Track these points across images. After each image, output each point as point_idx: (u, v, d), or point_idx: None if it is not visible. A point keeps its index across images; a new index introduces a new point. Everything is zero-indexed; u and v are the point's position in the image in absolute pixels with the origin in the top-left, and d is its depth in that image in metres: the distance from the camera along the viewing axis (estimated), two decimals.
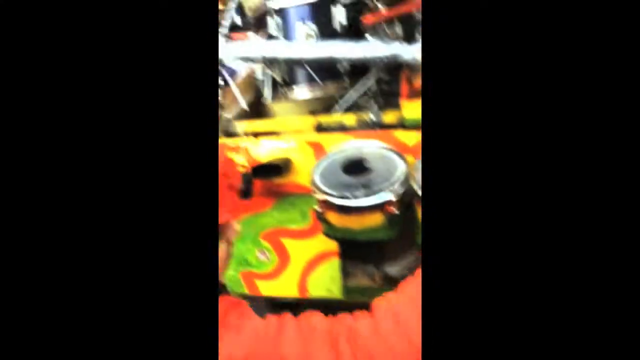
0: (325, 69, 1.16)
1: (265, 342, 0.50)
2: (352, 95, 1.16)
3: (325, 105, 1.22)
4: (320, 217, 0.90)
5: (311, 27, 1.11)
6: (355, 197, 0.84)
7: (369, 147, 0.99)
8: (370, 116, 1.11)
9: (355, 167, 0.93)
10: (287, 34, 1.16)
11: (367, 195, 0.84)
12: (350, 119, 1.15)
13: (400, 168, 0.90)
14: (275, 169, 1.04)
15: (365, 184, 0.87)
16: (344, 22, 1.12)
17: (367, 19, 1.09)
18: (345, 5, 1.12)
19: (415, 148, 1.09)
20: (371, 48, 0.97)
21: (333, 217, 0.89)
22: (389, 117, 1.20)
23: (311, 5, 1.13)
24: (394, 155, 0.95)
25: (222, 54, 1.03)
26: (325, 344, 0.50)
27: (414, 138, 1.10)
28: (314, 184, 0.91)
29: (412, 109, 1.07)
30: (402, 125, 1.09)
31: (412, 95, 1.06)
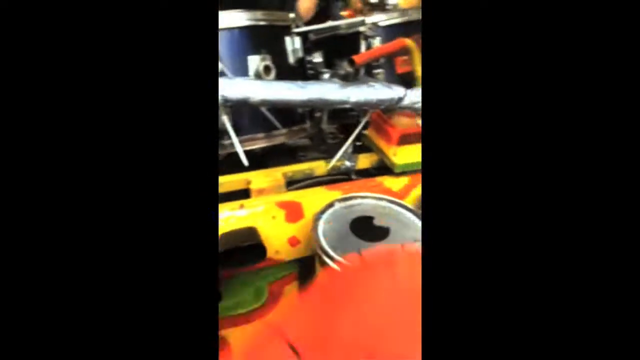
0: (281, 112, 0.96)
1: None
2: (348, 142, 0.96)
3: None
4: None
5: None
6: None
7: (375, 203, 0.79)
8: (345, 162, 0.92)
9: (368, 229, 0.72)
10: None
11: None
12: (319, 167, 0.96)
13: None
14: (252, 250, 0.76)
15: None
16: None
17: (359, 57, 0.88)
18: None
19: (401, 193, 0.93)
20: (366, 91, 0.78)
21: None
22: (363, 162, 1.04)
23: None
24: (408, 213, 0.75)
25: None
26: None
27: (400, 183, 0.94)
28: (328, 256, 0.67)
29: (403, 155, 0.91)
30: (390, 171, 0.91)
31: (402, 141, 0.89)
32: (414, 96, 0.78)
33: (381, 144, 0.94)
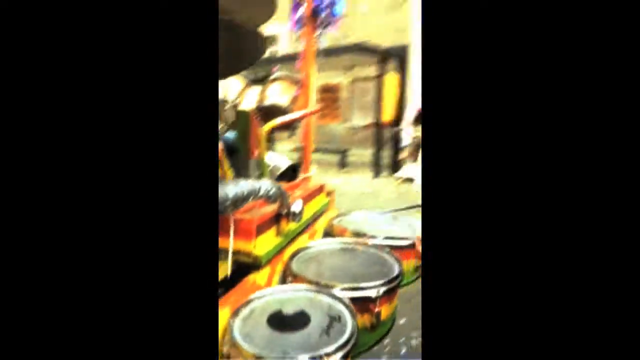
0: None
1: None
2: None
3: None
4: None
5: None
6: None
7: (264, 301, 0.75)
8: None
9: (286, 321, 0.65)
10: None
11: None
12: None
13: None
14: None
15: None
16: None
17: None
18: None
19: (267, 284, 0.91)
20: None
21: None
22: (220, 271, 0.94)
23: None
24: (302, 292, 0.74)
25: None
26: None
27: (265, 275, 0.91)
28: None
29: (262, 245, 0.90)
30: (256, 266, 0.87)
31: (259, 231, 0.88)
32: (266, 186, 0.83)
33: (234, 244, 0.90)
